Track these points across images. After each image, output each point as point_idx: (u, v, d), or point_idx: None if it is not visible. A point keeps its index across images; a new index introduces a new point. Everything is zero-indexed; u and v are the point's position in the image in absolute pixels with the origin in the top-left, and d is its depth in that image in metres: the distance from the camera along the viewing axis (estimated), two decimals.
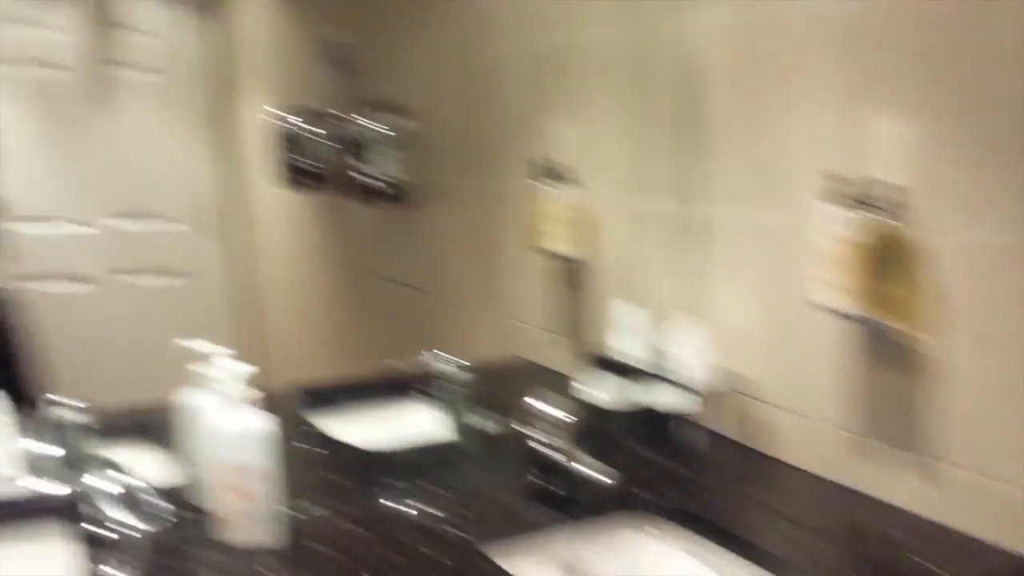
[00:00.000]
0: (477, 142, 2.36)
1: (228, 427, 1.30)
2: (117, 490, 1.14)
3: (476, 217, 2.42)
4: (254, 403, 1.34)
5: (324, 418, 1.89)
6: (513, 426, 1.48)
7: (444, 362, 1.65)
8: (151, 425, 1.81)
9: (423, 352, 3.01)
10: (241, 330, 4.45)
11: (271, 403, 1.98)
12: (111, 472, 1.15)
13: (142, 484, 1.15)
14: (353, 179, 2.76)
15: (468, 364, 1.69)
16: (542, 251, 2.02)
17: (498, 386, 2.13)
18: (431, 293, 2.70)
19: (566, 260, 2.04)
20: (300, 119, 3.25)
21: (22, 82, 3.64)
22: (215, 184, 4.42)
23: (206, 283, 4.34)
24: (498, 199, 2.30)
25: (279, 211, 3.87)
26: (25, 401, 2.24)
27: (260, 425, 1.33)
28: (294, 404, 2.00)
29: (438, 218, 2.62)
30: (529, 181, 2.00)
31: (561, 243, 1.99)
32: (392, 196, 2.76)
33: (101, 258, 3.68)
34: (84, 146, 3.77)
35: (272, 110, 3.34)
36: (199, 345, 1.42)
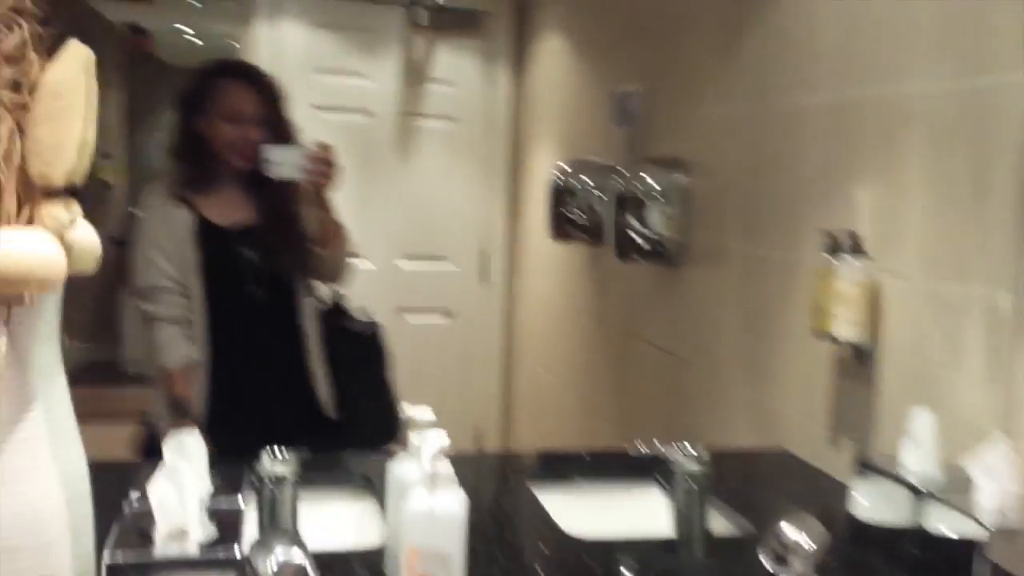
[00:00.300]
0: (761, 203, 1.96)
1: (419, 506, 1.00)
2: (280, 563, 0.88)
3: (750, 286, 2.01)
4: (453, 481, 1.04)
5: (550, 490, 1.56)
6: (759, 548, 1.07)
7: (686, 451, 1.27)
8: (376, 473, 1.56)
9: (666, 438, 2.66)
10: (498, 372, 4.29)
11: (501, 466, 1.68)
12: (287, 544, 0.90)
13: (307, 565, 0.88)
14: (620, 234, 2.43)
15: (710, 454, 1.29)
16: (824, 333, 1.58)
17: (750, 480, 1.70)
18: (689, 362, 2.30)
19: (852, 347, 1.59)
20: (577, 171, 2.99)
21: (341, 128, 3.70)
22: (494, 230, 4.32)
23: (471, 324, 4.20)
24: (779, 268, 1.88)
25: (546, 261, 3.65)
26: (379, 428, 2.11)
27: (454, 509, 1.02)
28: (523, 472, 1.68)
29: (706, 282, 2.23)
30: (820, 253, 1.58)
31: (849, 326, 1.54)
32: (659, 254, 2.40)
33: (385, 295, 3.65)
34: (386, 188, 3.72)
35: (556, 162, 3.12)
36: (416, 411, 1.15)
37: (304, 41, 3.72)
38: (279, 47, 3.67)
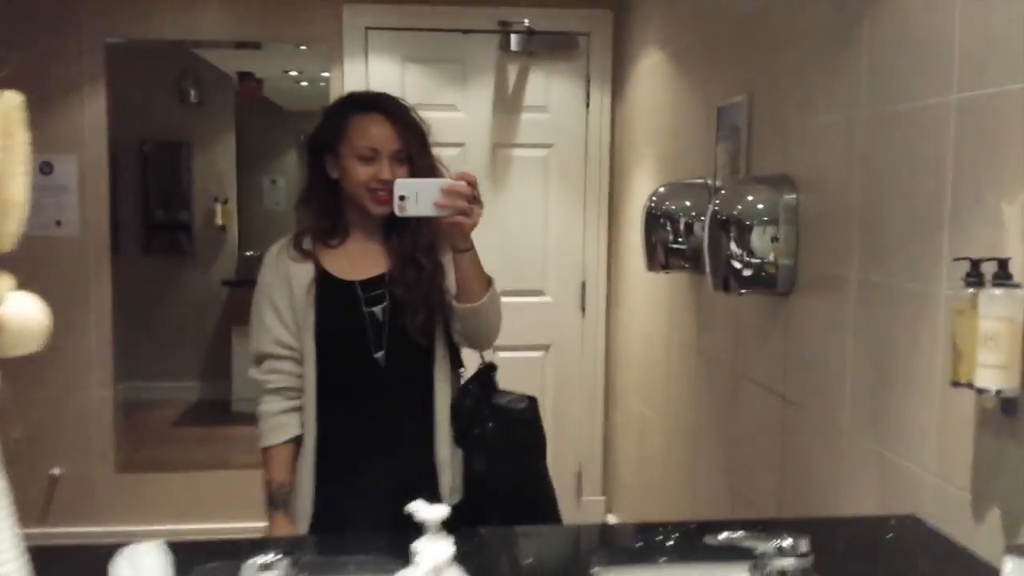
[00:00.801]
0: (883, 223, 1.66)
1: None
2: None
3: (871, 320, 1.70)
4: None
5: (617, 573, 1.31)
6: None
7: (781, 540, 1.00)
8: None
9: (776, 494, 2.33)
10: (598, 409, 4.03)
11: (566, 543, 1.44)
12: None
13: None
14: (719, 261, 2.16)
15: (822, 523, 1.02)
16: (964, 381, 1.28)
17: (871, 557, 1.39)
18: (802, 406, 2.00)
19: (1000, 397, 1.28)
20: (674, 194, 2.73)
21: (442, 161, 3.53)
22: (592, 261, 4.07)
23: (570, 359, 3.95)
24: (905, 300, 1.57)
25: (647, 291, 3.38)
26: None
27: None
28: (590, 550, 1.43)
29: (819, 315, 1.93)
30: (958, 283, 1.28)
31: (995, 373, 1.24)
32: (765, 282, 2.12)
33: None
34: (481, 221, 3.55)
35: (655, 187, 2.87)
36: (425, 511, 0.93)
37: (395, 76, 3.60)
38: (371, 83, 3.56)
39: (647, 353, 3.30)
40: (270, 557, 0.97)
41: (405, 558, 0.94)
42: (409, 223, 1.76)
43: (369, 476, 1.77)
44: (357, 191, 1.77)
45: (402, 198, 1.65)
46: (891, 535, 1.45)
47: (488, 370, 1.91)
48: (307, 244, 1.82)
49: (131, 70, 5.92)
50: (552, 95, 3.78)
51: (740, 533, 1.08)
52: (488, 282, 1.78)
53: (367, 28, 3.61)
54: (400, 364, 1.79)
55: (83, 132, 3.55)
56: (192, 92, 6.15)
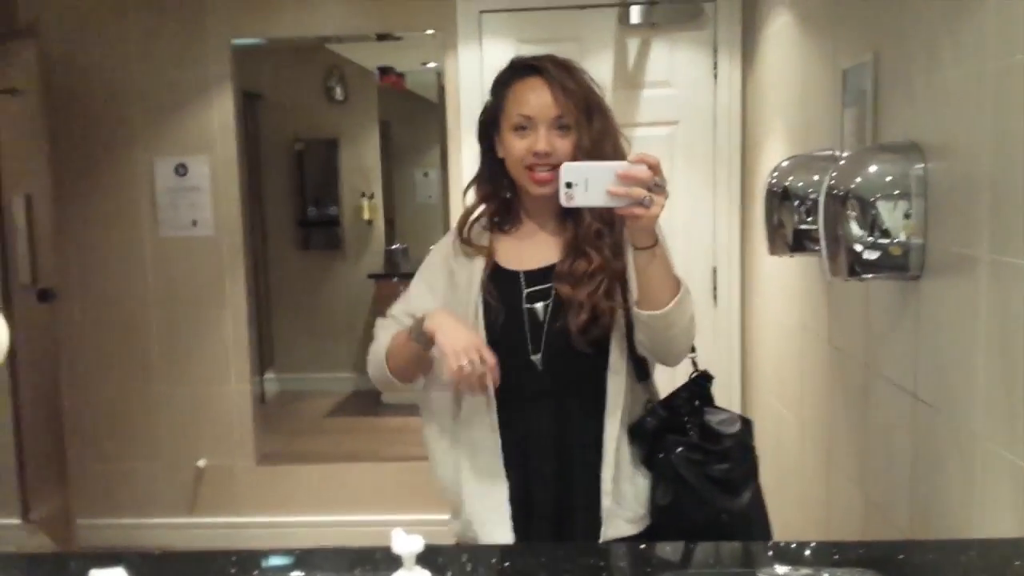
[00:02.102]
0: (1020, 196, 1.41)
1: None
2: None
3: (1009, 308, 1.45)
4: None
5: None
6: None
7: None
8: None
9: (908, 506, 2.03)
10: (733, 405, 3.77)
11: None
12: None
13: None
14: (840, 242, 1.93)
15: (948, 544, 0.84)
16: None
17: None
18: (933, 407, 1.75)
19: None
20: (798, 169, 2.49)
21: None
22: (724, 245, 3.82)
23: (702, 351, 3.74)
24: None
25: (779, 277, 3.12)
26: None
27: None
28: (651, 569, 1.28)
29: (951, 302, 1.67)
30: None
31: None
32: (895, 266, 1.87)
33: None
34: None
35: (778, 162, 2.64)
36: (396, 541, 0.83)
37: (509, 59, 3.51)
38: (485, 68, 3.50)
39: (781, 345, 3.06)
40: None
41: None
42: (588, 209, 1.54)
43: (537, 492, 1.62)
44: (516, 168, 1.60)
45: (569, 185, 1.41)
46: (1021, 562, 1.22)
47: (700, 380, 1.68)
48: (478, 236, 1.69)
49: (279, 72, 6.19)
50: (676, 68, 3.57)
51: (794, 569, 0.92)
52: (677, 286, 1.53)
53: (481, 12, 3.54)
54: (562, 370, 1.60)
55: (213, 133, 3.68)
56: (338, 90, 6.33)
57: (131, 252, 3.74)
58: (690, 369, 1.72)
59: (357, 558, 1.27)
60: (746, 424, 1.67)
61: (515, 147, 1.59)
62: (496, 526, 1.62)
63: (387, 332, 1.67)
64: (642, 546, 1.38)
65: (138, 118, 3.70)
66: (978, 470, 1.53)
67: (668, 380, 1.74)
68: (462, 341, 1.50)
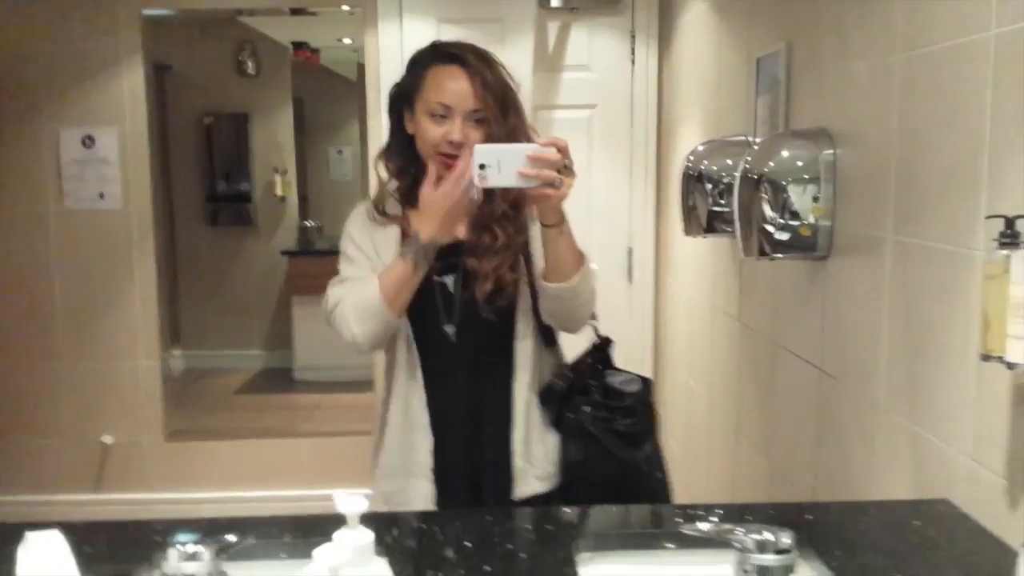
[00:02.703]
0: (922, 179, 1.49)
1: None
2: None
3: (908, 286, 1.54)
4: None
5: (602, 561, 1.21)
6: None
7: (762, 533, 0.89)
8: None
9: (810, 472, 2.17)
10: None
11: (548, 529, 1.34)
12: None
13: None
14: (750, 223, 2.00)
15: (788, 543, 0.90)
16: (995, 353, 1.13)
17: (896, 546, 1.26)
18: (838, 379, 1.85)
19: None
20: (712, 153, 2.57)
21: None
22: (639, 225, 3.89)
23: (616, 328, 3.82)
24: (944, 264, 1.41)
25: (692, 257, 3.22)
26: None
27: None
28: (572, 537, 1.32)
29: (856, 281, 1.77)
30: (996, 246, 1.12)
31: None
32: (804, 247, 1.96)
33: None
34: None
35: (694, 146, 2.71)
36: (339, 501, 0.84)
37: (430, 39, 3.48)
38: (405, 47, 3.47)
39: (693, 322, 3.16)
40: (192, 546, 0.89)
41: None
42: (494, 189, 1.58)
43: (452, 450, 1.68)
44: (426, 151, 1.63)
45: (483, 167, 1.46)
46: (918, 521, 1.31)
47: (602, 346, 1.77)
48: (392, 207, 1.71)
49: (189, 45, 6.00)
50: (595, 53, 3.62)
51: (713, 524, 0.97)
52: (581, 260, 1.60)
53: None
54: (473, 339, 1.66)
55: (123, 104, 3.56)
56: (250, 64, 6.16)
57: (35, 225, 3.59)
58: (591, 335, 1.81)
59: (289, 526, 1.27)
60: (646, 383, 1.77)
61: (430, 132, 1.61)
62: (419, 478, 1.68)
63: (355, 285, 1.65)
64: (566, 510, 1.42)
65: (43, 87, 3.54)
66: (879, 438, 1.63)
67: (571, 347, 1.81)
68: (441, 190, 1.54)
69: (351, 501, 0.83)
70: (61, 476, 3.69)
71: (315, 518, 1.25)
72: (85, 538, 1.05)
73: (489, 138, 1.58)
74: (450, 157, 1.59)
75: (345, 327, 1.61)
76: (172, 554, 0.90)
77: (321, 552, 0.73)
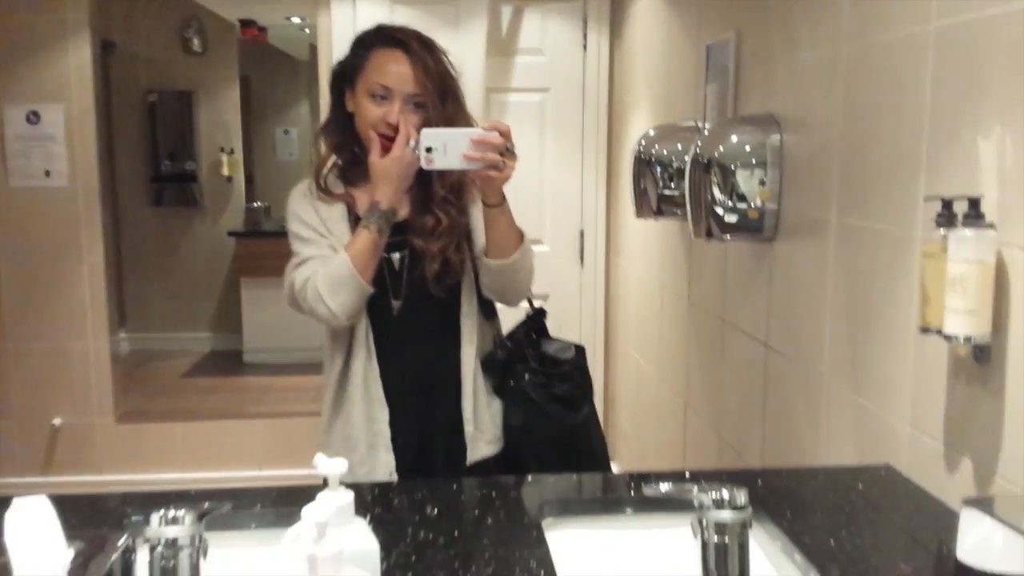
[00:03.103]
0: (863, 163, 1.57)
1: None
2: None
3: (851, 265, 1.62)
4: (340, 566, 0.76)
5: (569, 525, 1.26)
6: None
7: (719, 492, 0.95)
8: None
9: (758, 444, 2.27)
10: (597, 360, 3.95)
11: (517, 495, 1.39)
12: None
13: None
14: (700, 205, 2.07)
15: (744, 501, 0.96)
16: (932, 327, 1.21)
17: (841, 509, 1.34)
18: (784, 355, 1.93)
19: (976, 346, 1.21)
20: (662, 138, 2.64)
21: None
22: (591, 208, 3.95)
23: (568, 309, 3.87)
24: (884, 244, 1.49)
25: (643, 239, 3.29)
26: None
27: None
28: (538, 504, 1.38)
29: (801, 261, 1.85)
30: (934, 227, 1.20)
31: (963, 318, 1.16)
32: (752, 229, 2.03)
33: None
34: None
35: (644, 131, 2.77)
36: (320, 463, 0.87)
37: (383, 20, 3.48)
38: (358, 27, 3.46)
39: (642, 303, 3.23)
40: (174, 511, 0.92)
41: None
42: (435, 175, 1.64)
43: (403, 426, 1.72)
44: (364, 131, 1.66)
45: (429, 150, 1.52)
46: (863, 485, 1.39)
47: (537, 316, 1.83)
48: (333, 184, 1.73)
49: (134, 20, 5.87)
50: (548, 38, 3.66)
51: (673, 485, 1.03)
52: (520, 237, 1.68)
53: None
54: (420, 315, 1.71)
55: (69, 81, 3.49)
56: (195, 41, 6.06)
57: None
58: (526, 307, 1.87)
59: (260, 497, 1.30)
60: (579, 350, 1.84)
61: (369, 112, 1.65)
62: (380, 448, 1.72)
63: (322, 262, 1.67)
64: (527, 477, 1.47)
65: None
66: (823, 409, 1.71)
67: (508, 318, 1.88)
68: (391, 155, 1.60)
69: (332, 463, 0.87)
70: (11, 458, 3.63)
71: (288, 489, 1.28)
72: (59, 509, 1.07)
73: (427, 123, 1.64)
74: (387, 138, 1.64)
75: (319, 304, 1.63)
76: (154, 519, 0.92)
77: (309, 510, 0.76)
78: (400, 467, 1.72)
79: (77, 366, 3.65)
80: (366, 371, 1.73)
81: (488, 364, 1.77)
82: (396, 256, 1.70)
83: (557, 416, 1.75)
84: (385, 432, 1.72)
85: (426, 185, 1.68)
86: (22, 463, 3.65)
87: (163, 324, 6.15)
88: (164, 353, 5.98)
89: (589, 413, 1.83)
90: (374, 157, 1.63)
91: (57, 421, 3.66)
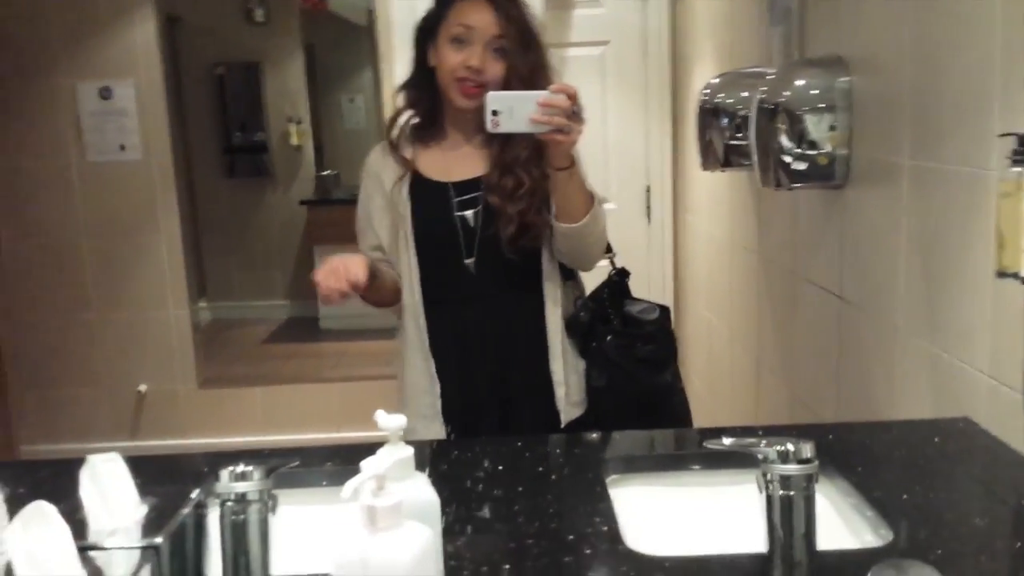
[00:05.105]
0: (937, 103, 1.49)
1: (347, 556, 0.74)
2: None
3: (925, 210, 1.55)
4: (399, 522, 0.76)
5: (632, 483, 1.26)
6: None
7: (783, 445, 0.93)
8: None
9: (833, 399, 2.21)
10: None
11: (577, 453, 1.38)
12: None
13: None
14: (767, 154, 2.01)
15: (810, 453, 0.94)
16: (1010, 271, 1.15)
17: (917, 463, 1.30)
18: (858, 306, 1.87)
19: None
20: (728, 86, 2.56)
21: None
22: (656, 163, 3.90)
23: (636, 267, 3.83)
24: (959, 186, 1.42)
25: (711, 193, 3.22)
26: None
27: (398, 557, 0.74)
28: (601, 461, 1.37)
29: (874, 207, 1.78)
30: (1009, 165, 1.14)
31: None
32: (822, 176, 1.97)
33: None
34: None
35: (708, 80, 2.70)
36: (380, 419, 0.88)
37: None
38: None
39: (712, 258, 3.18)
40: (244, 467, 0.94)
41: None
42: (511, 135, 1.60)
43: (482, 388, 1.71)
44: (446, 79, 1.64)
45: (495, 113, 1.49)
46: (939, 439, 1.34)
47: (620, 277, 1.80)
48: (404, 147, 1.74)
49: None
50: None
51: (736, 440, 1.01)
52: (590, 201, 1.63)
53: None
54: (495, 274, 1.69)
55: (136, 56, 3.57)
56: (258, 12, 6.12)
57: (59, 179, 3.64)
58: (608, 267, 1.84)
59: (330, 455, 1.33)
60: (664, 311, 1.81)
61: (449, 58, 1.63)
62: (431, 422, 1.73)
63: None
64: (592, 435, 1.46)
65: (57, 42, 3.56)
66: (898, 361, 1.66)
67: (590, 280, 1.86)
68: (328, 264, 1.58)
69: (392, 418, 0.87)
70: (99, 425, 3.80)
71: (354, 446, 1.30)
72: (136, 470, 1.10)
73: (510, 71, 1.61)
74: (469, 83, 1.61)
75: None
76: (224, 475, 0.94)
77: (367, 463, 0.77)
78: (483, 430, 1.70)
79: (160, 334, 3.78)
80: (418, 338, 1.73)
81: (572, 325, 1.74)
82: (470, 213, 1.68)
83: (640, 378, 1.73)
84: (436, 404, 1.73)
85: (509, 145, 1.65)
86: (111, 429, 3.81)
87: (241, 293, 6.31)
88: (243, 321, 6.15)
89: (673, 374, 1.80)
90: (461, 101, 1.62)
91: (143, 388, 3.81)
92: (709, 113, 2.52)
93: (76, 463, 0.98)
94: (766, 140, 1.98)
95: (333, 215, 5.67)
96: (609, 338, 1.72)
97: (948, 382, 1.48)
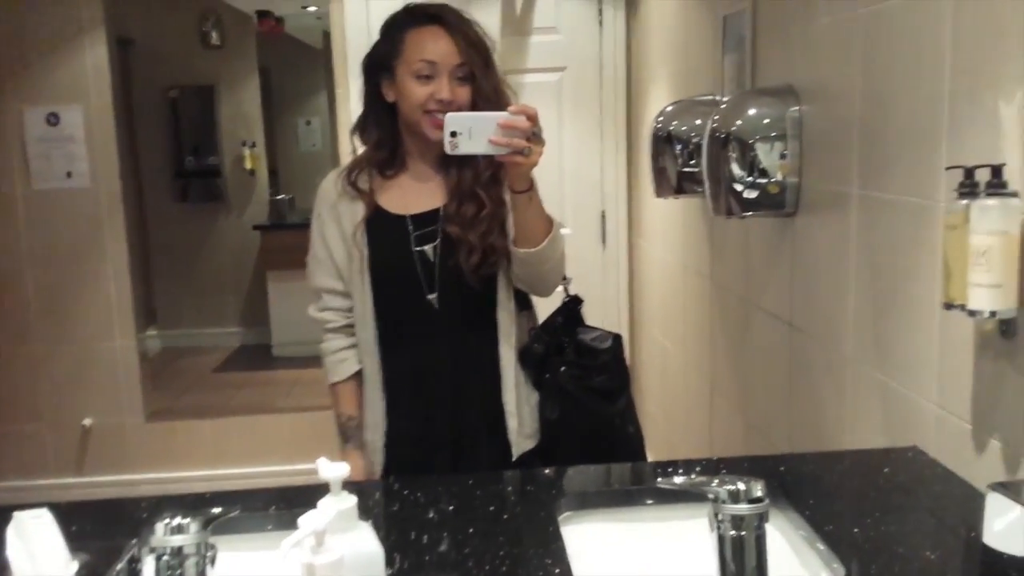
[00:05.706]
0: (884, 134, 1.52)
1: None
2: None
3: (873, 240, 1.57)
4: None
5: (584, 520, 1.24)
6: None
7: (734, 483, 0.92)
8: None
9: (784, 426, 2.22)
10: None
11: (530, 490, 1.36)
12: None
13: None
14: (723, 183, 2.03)
15: (761, 492, 0.93)
16: (955, 302, 1.16)
17: (865, 494, 1.30)
18: (808, 333, 1.89)
19: (1001, 321, 1.16)
20: (680, 114, 2.58)
21: None
22: (611, 189, 3.90)
23: (591, 292, 3.83)
24: (907, 217, 1.43)
25: (665, 219, 3.24)
26: None
27: None
28: (552, 498, 1.35)
29: (823, 237, 1.80)
30: (955, 198, 1.15)
31: (987, 293, 1.11)
32: (773, 204, 1.98)
33: None
34: None
35: (663, 107, 2.72)
36: (322, 468, 0.86)
37: (397, 5, 3.47)
38: (371, 13, 3.44)
39: (666, 284, 3.19)
40: (180, 519, 0.91)
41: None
42: (473, 156, 1.58)
43: (437, 422, 1.69)
44: (414, 114, 1.62)
45: (454, 134, 1.46)
46: (889, 469, 1.35)
47: (572, 304, 1.79)
48: (363, 180, 1.70)
49: (151, 16, 5.89)
50: (563, 15, 3.61)
51: (687, 478, 1.00)
52: (549, 225, 1.61)
53: None
54: (457, 307, 1.66)
55: (87, 81, 3.51)
56: (214, 35, 6.07)
57: (2, 207, 3.55)
58: (563, 294, 1.83)
59: (274, 498, 1.29)
60: (616, 339, 1.80)
61: (416, 93, 1.61)
62: (375, 455, 1.74)
63: (333, 340, 1.77)
64: (546, 471, 1.45)
65: (4, 66, 3.48)
66: (849, 389, 1.67)
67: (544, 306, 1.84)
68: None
69: (334, 467, 0.85)
70: (43, 461, 3.69)
71: (299, 488, 1.27)
72: (71, 518, 1.07)
73: (476, 94, 1.60)
74: (440, 115, 1.57)
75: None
76: (159, 528, 0.91)
77: (306, 518, 0.75)
78: (437, 465, 1.69)
79: (106, 366, 3.69)
80: (373, 375, 1.72)
81: (526, 357, 1.72)
82: (428, 248, 1.66)
83: (594, 408, 1.71)
84: (443, 432, 1.71)
85: (467, 168, 1.64)
86: (55, 464, 3.70)
87: (193, 320, 6.20)
88: (194, 349, 6.04)
89: (626, 404, 1.79)
90: (434, 134, 1.59)
91: (88, 422, 3.71)
92: (663, 140, 2.53)
93: (5, 513, 0.94)
94: (717, 168, 1.99)
95: (287, 240, 5.61)
96: (563, 369, 1.71)
97: (897, 411, 1.49)
